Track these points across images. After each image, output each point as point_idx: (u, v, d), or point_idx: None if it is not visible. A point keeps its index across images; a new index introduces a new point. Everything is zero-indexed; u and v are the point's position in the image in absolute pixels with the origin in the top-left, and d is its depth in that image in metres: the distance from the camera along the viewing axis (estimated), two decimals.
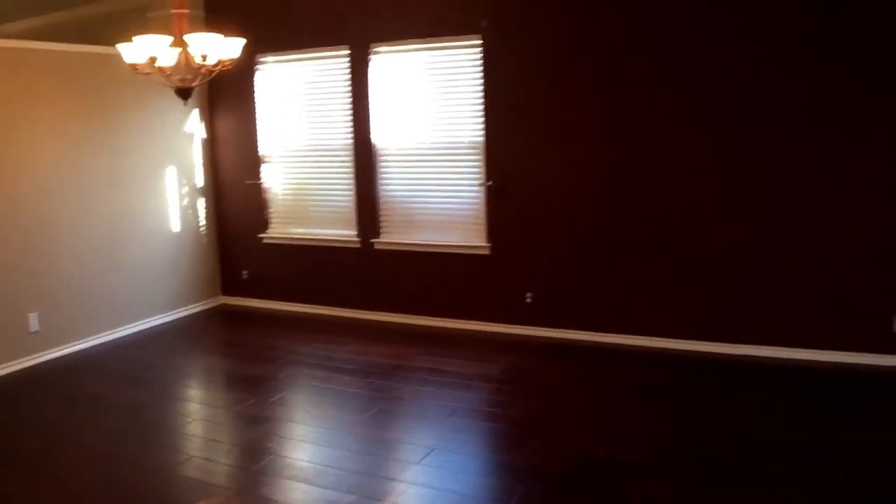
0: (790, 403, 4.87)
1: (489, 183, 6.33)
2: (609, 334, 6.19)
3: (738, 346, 5.83)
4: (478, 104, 6.31)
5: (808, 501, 3.63)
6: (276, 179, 7.45)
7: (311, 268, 7.33)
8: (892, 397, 4.99)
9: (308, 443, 4.49)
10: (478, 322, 6.59)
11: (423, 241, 6.70)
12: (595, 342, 6.20)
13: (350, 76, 6.80)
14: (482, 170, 6.38)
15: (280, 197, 7.46)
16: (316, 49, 6.94)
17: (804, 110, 5.40)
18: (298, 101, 7.17)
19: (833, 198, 5.44)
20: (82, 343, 6.32)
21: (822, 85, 5.33)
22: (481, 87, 6.28)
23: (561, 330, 6.32)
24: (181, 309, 7.36)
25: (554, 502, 3.69)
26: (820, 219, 5.50)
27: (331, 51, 6.86)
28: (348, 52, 6.77)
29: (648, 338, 6.08)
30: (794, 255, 5.60)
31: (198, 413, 5.07)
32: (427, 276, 6.72)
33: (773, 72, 5.44)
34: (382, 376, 5.49)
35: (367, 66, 6.69)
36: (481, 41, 6.22)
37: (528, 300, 6.38)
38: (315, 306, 7.36)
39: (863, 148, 5.31)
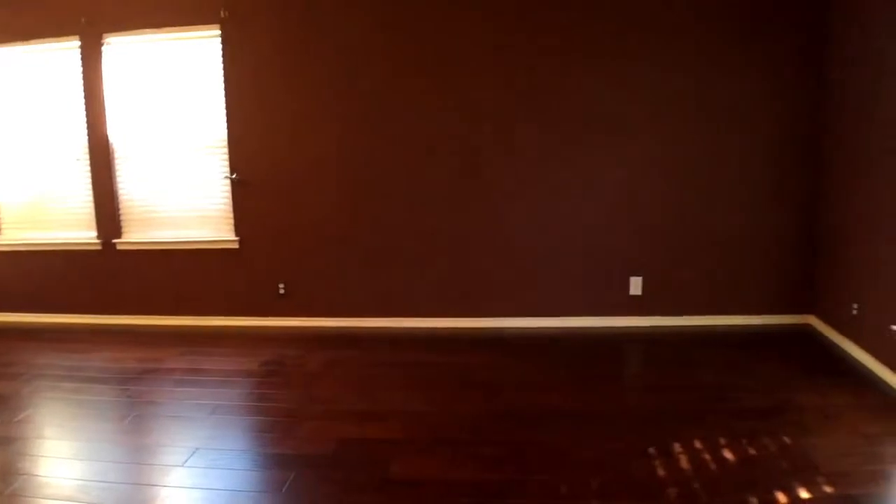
0: (544, 370, 5.36)
1: (234, 176, 6.31)
2: (365, 318, 6.40)
3: (492, 319, 6.31)
4: (219, 96, 6.24)
5: (544, 459, 4.04)
6: (3, 184, 6.97)
7: (50, 274, 6.91)
8: (632, 353, 5.72)
9: (65, 458, 4.26)
10: (233, 317, 6.57)
11: (169, 238, 6.56)
12: (352, 327, 6.39)
13: (81, 69, 6.46)
14: (227, 163, 6.35)
15: (11, 202, 6.99)
16: (41, 40, 6.52)
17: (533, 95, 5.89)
18: (24, 97, 6.72)
19: (574, 179, 6.02)
20: None
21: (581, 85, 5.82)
22: (222, 79, 6.22)
23: (317, 318, 6.45)
24: None
25: (323, 485, 3.80)
26: (562, 198, 6.10)
27: (58, 42, 6.47)
28: (78, 43, 6.43)
29: (404, 318, 6.37)
30: (539, 231, 6.14)
31: None
32: (176, 274, 6.59)
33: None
34: (138, 381, 5.35)
35: (100, 59, 6.40)
36: (220, 32, 6.16)
37: (282, 291, 6.45)
38: (59, 315, 6.98)
39: (583, 121, 5.89)
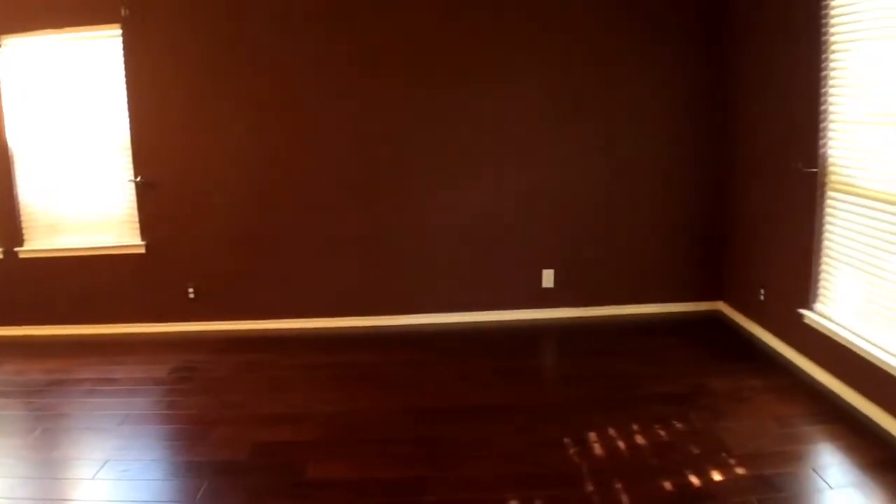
0: (458, 366, 5.41)
1: (138, 179, 6.16)
2: (277, 320, 6.32)
3: (405, 316, 6.31)
4: (122, 97, 6.06)
5: (459, 454, 4.07)
6: None
7: None
8: (545, 345, 5.82)
9: None
10: (142, 324, 6.40)
11: (73, 245, 6.33)
12: (264, 329, 6.30)
13: None
14: (131, 166, 6.18)
15: None
16: None
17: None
18: None
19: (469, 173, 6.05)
20: None
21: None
22: (124, 80, 6.04)
23: (228, 321, 6.34)
24: None
25: (237, 491, 3.75)
26: (473, 194, 6.15)
27: None
28: None
29: (316, 319, 6.31)
30: (450, 228, 6.17)
31: None
32: (82, 281, 6.35)
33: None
34: (44, 393, 5.16)
35: None
36: (121, 31, 5.97)
37: (191, 295, 6.33)
38: None
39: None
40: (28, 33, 6.04)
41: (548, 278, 6.25)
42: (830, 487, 3.60)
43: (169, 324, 6.38)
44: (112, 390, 5.17)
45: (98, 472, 4.00)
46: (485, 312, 6.30)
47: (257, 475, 3.90)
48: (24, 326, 6.51)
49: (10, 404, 5.06)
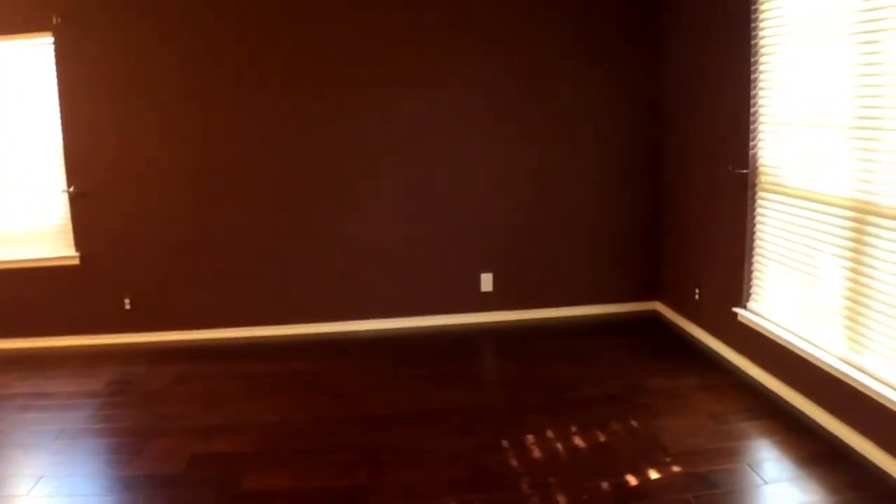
0: (395, 372, 5.43)
1: (71, 189, 6.05)
2: (212, 330, 6.26)
3: (341, 323, 6.29)
4: (54, 105, 5.95)
5: (397, 460, 4.07)
6: None
7: None
8: (483, 349, 5.86)
9: None
10: (76, 336, 6.27)
11: (6, 257, 6.18)
12: (200, 340, 6.22)
13: None
14: (63, 175, 6.07)
15: None
16: None
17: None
18: None
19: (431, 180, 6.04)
20: None
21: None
22: (56, 89, 5.93)
23: (165, 332, 6.25)
24: None
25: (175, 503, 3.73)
26: (410, 198, 6.16)
27: None
28: None
29: (252, 328, 6.28)
30: (387, 233, 6.19)
31: None
32: (14, 294, 6.18)
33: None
34: None
35: None
36: (53, 39, 5.87)
37: (127, 306, 6.23)
38: None
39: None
40: None
41: (486, 282, 6.27)
42: (766, 482, 3.66)
43: (104, 336, 6.27)
44: (46, 405, 5.06)
45: (33, 488, 3.91)
46: (423, 317, 6.31)
47: (195, 488, 3.85)
48: None
49: None
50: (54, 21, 5.81)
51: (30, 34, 5.89)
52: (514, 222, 6.22)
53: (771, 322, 4.71)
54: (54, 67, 5.91)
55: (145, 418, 4.76)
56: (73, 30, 5.83)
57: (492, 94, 6.03)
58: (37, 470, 4.12)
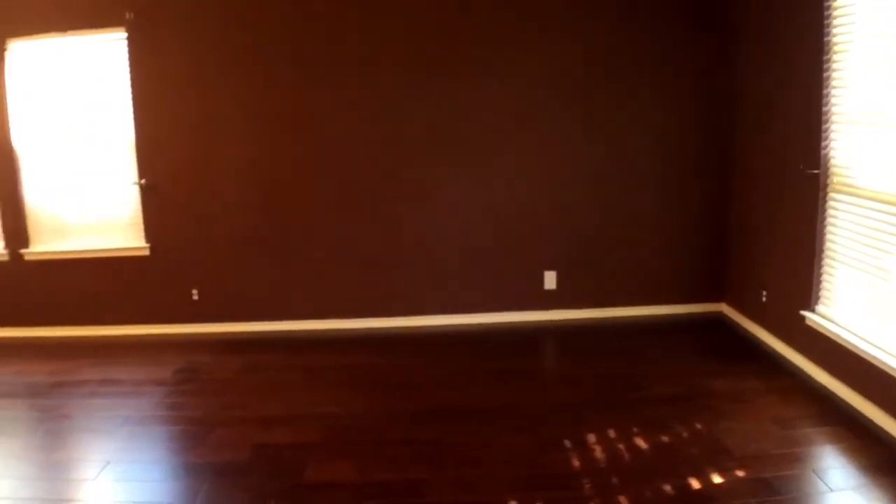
0: (457, 368, 5.42)
1: (142, 181, 6.17)
2: (278, 322, 6.33)
3: (406, 318, 6.32)
4: (127, 100, 6.08)
5: (457, 456, 4.08)
6: None
7: None
8: (546, 347, 5.86)
9: None
10: (145, 325, 6.41)
11: (79, 247, 6.36)
12: (266, 331, 6.30)
13: None
14: (135, 168, 6.20)
15: None
16: None
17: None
18: None
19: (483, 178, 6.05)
20: None
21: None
22: (129, 83, 6.06)
23: (231, 323, 6.34)
24: None
25: (236, 493, 3.76)
26: (475, 195, 6.16)
27: None
28: None
29: (318, 321, 6.31)
30: (452, 229, 6.19)
31: None
32: (86, 283, 6.37)
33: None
34: (47, 395, 5.18)
35: (3, 63, 6.10)
36: (126, 35, 5.99)
37: (195, 297, 6.34)
38: None
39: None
40: (34, 36, 6.06)
41: (550, 280, 6.24)
42: (831, 490, 3.59)
43: (172, 325, 6.39)
44: (114, 392, 5.18)
45: (100, 473, 4.01)
46: (486, 314, 6.29)
47: (257, 477, 3.91)
48: (28, 328, 6.52)
49: (14, 405, 5.09)
50: (127, 16, 5.93)
51: (103, 29, 6.02)
52: (578, 220, 6.17)
53: (840, 326, 4.60)
54: (127, 62, 6.03)
55: (210, 407, 4.84)
56: (145, 25, 5.94)
57: (555, 90, 5.99)
58: (104, 455, 4.23)
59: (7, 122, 6.20)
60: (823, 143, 4.69)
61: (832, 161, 4.66)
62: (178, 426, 4.61)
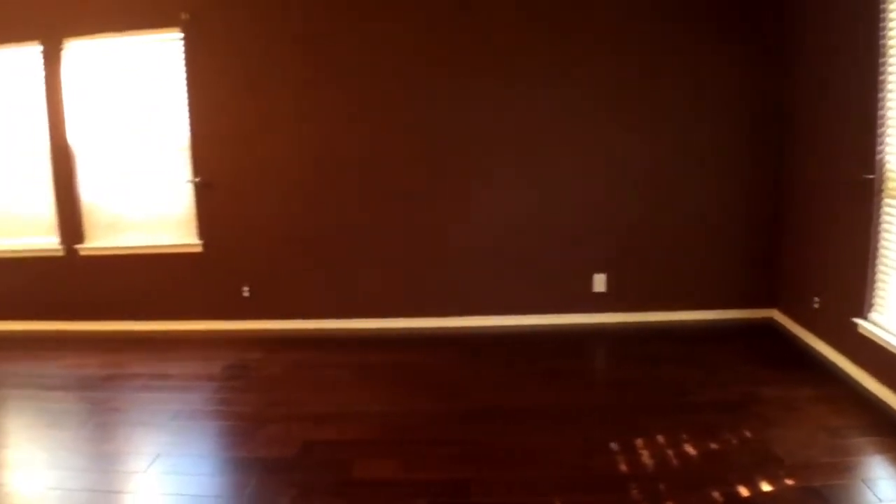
0: (506, 368, 5.43)
1: (196, 179, 6.27)
2: (328, 320, 6.39)
3: (455, 318, 6.34)
4: (182, 100, 6.19)
5: (505, 457, 4.06)
6: None
7: (10, 280, 6.73)
8: (595, 349, 5.83)
9: (26, 467, 4.19)
10: (196, 321, 6.51)
11: (133, 243, 6.48)
12: (316, 329, 6.37)
13: (43, 73, 6.31)
14: (189, 166, 6.30)
15: None
16: (2, 45, 6.36)
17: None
18: None
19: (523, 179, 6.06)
20: None
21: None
22: (184, 82, 6.16)
23: (281, 320, 6.43)
24: None
25: (285, 489, 3.78)
26: (525, 197, 6.17)
27: (18, 46, 6.32)
28: (39, 48, 6.28)
29: (367, 319, 6.37)
30: (503, 230, 6.21)
31: None
32: (139, 278, 6.50)
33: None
34: (99, 388, 5.29)
35: (59, 63, 6.27)
36: (182, 35, 6.10)
37: (246, 294, 6.42)
38: (20, 322, 6.78)
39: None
40: (90, 36, 6.20)
41: (600, 283, 6.21)
42: (880, 501, 3.52)
43: (223, 322, 6.49)
44: (165, 386, 5.27)
45: (150, 465, 4.07)
46: (535, 316, 6.29)
47: (306, 473, 3.94)
48: (81, 321, 6.67)
49: (66, 397, 5.18)
50: (183, 17, 6.03)
51: (159, 29, 6.13)
52: (628, 224, 6.14)
53: (893, 334, 4.52)
54: (182, 62, 6.13)
55: (260, 403, 4.90)
56: (200, 25, 6.04)
57: (605, 92, 5.97)
58: (154, 448, 4.29)
59: (63, 120, 6.32)
60: (879, 148, 4.61)
61: (888, 166, 4.59)
62: (227, 421, 4.67)
